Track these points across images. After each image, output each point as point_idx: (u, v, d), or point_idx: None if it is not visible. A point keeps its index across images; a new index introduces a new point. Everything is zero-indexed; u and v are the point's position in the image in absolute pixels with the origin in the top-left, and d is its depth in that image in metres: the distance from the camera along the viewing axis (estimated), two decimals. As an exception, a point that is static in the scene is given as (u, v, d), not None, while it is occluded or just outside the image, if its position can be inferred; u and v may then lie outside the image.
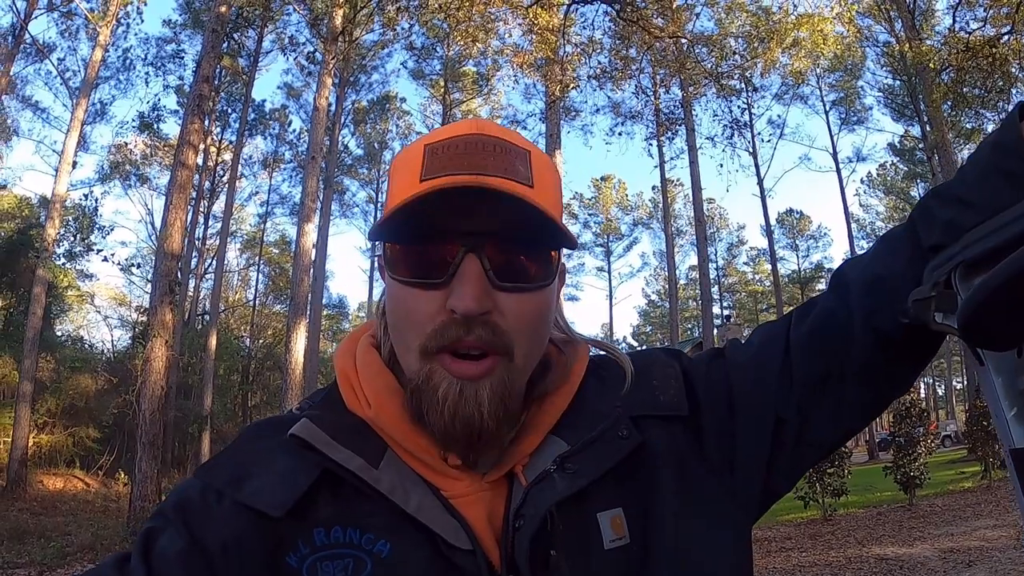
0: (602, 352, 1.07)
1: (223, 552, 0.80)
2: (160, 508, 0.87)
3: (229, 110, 38.01)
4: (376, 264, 1.00)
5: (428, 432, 0.87)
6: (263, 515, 0.81)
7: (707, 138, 24.84)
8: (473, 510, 0.85)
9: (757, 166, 41.29)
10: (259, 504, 0.82)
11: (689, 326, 60.97)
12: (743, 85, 23.89)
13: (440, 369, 0.84)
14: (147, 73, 34.17)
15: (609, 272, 62.49)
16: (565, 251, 0.93)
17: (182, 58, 35.19)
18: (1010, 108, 0.79)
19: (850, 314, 0.91)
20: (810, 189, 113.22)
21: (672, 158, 35.76)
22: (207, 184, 38.66)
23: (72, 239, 27.45)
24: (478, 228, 0.83)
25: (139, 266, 38.30)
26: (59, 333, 33.52)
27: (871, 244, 0.97)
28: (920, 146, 38.87)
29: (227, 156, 38.75)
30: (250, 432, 0.95)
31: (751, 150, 39.76)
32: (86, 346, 36.48)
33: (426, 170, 0.85)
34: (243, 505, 0.83)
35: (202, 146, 24.26)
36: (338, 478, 0.84)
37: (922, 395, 49.75)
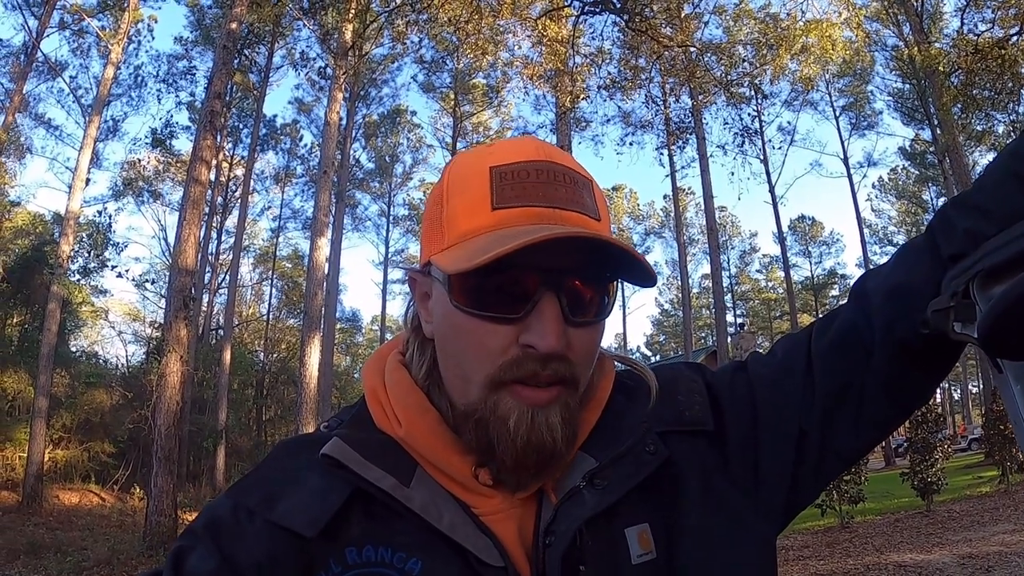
0: (626, 367, 1.07)
1: (255, 572, 0.80)
2: (190, 527, 0.87)
3: (241, 125, 38.17)
4: (408, 283, 0.99)
5: (461, 450, 0.88)
6: (295, 535, 0.82)
7: (718, 146, 24.77)
8: (504, 527, 0.85)
9: (768, 173, 41.19)
10: (291, 524, 0.82)
11: (703, 335, 60.82)
12: (753, 92, 23.90)
13: (508, 398, 0.83)
14: (159, 90, 34.34)
15: (621, 282, 62.21)
16: None
17: (194, 75, 35.33)
18: (1021, 109, 0.80)
19: (870, 325, 0.92)
20: (822, 195, 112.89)
21: (683, 167, 35.77)
22: (220, 199, 38.78)
23: (86, 255, 27.53)
24: (559, 265, 0.82)
25: (153, 282, 38.37)
26: (74, 349, 33.57)
27: (892, 253, 0.98)
28: (931, 150, 38.74)
29: (239, 171, 38.86)
30: (280, 451, 0.95)
31: (762, 157, 39.72)
32: (101, 361, 36.54)
33: (498, 197, 0.83)
34: (275, 524, 0.83)
35: (214, 162, 24.35)
36: (369, 496, 0.84)
37: (938, 400, 49.50)
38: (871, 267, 1.02)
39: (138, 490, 24.24)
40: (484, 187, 0.85)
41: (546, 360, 0.82)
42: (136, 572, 13.56)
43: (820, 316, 1.04)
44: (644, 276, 0.86)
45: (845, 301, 1.01)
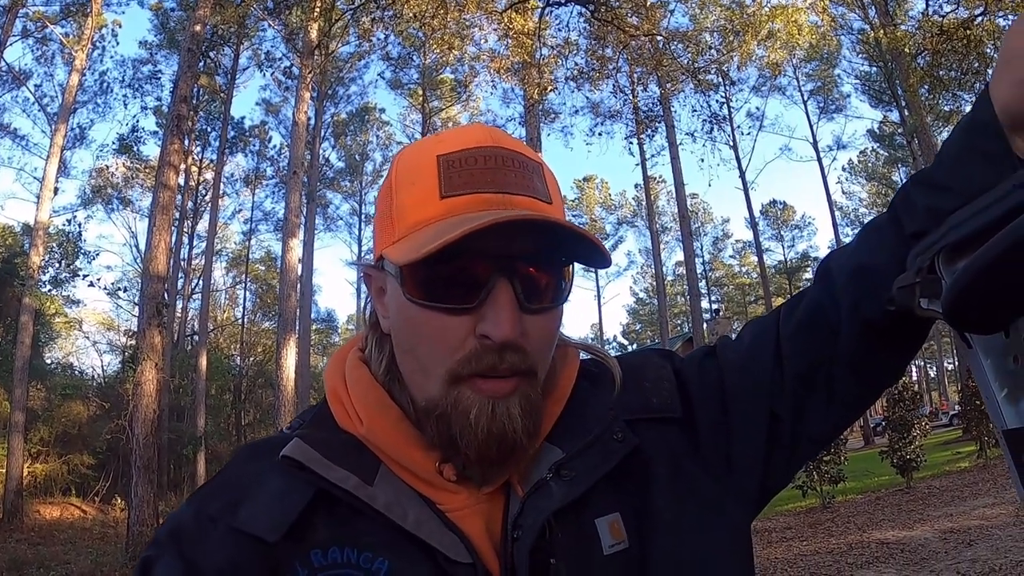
0: (591, 355, 1.06)
1: None
2: (155, 537, 0.86)
3: (208, 129, 37.83)
4: (363, 279, 0.97)
5: (424, 446, 0.87)
6: (258, 540, 0.80)
7: (687, 134, 24.74)
8: (471, 523, 0.84)
9: (738, 159, 41.48)
10: (253, 529, 0.81)
11: (678, 322, 61.13)
12: (720, 79, 23.94)
13: (468, 392, 0.82)
14: (125, 95, 33.97)
15: (596, 272, 62.46)
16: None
17: (159, 79, 35.04)
18: (987, 89, 0.80)
19: (836, 305, 0.92)
20: (792, 179, 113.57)
21: (653, 155, 35.87)
22: (190, 204, 38.58)
23: (57, 266, 27.27)
24: (511, 251, 0.81)
25: (125, 290, 37.99)
26: (48, 361, 33.40)
27: (856, 233, 0.97)
28: (899, 131, 39.25)
29: (208, 175, 38.65)
30: (242, 455, 0.94)
31: (731, 143, 39.94)
32: (76, 373, 36.43)
33: (446, 185, 0.82)
34: (237, 530, 0.81)
35: (183, 166, 24.19)
36: (333, 497, 0.83)
37: (914, 378, 50.01)
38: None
39: (119, 501, 24.11)
40: (432, 176, 0.84)
41: (502, 351, 0.81)
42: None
43: (790, 297, 1.04)
44: (598, 257, 0.85)
45: (811, 283, 1.00)
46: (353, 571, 0.80)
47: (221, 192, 38.99)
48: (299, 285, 22.27)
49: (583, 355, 1.04)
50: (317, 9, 21.02)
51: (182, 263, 37.77)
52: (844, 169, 53.67)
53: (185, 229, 38.21)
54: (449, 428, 0.83)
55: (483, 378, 0.82)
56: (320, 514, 0.83)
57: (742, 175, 41.86)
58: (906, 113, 31.65)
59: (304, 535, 0.82)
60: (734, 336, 1.08)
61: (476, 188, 0.82)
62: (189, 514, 0.86)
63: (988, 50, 18.29)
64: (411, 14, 18.67)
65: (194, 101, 27.82)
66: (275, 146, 42.95)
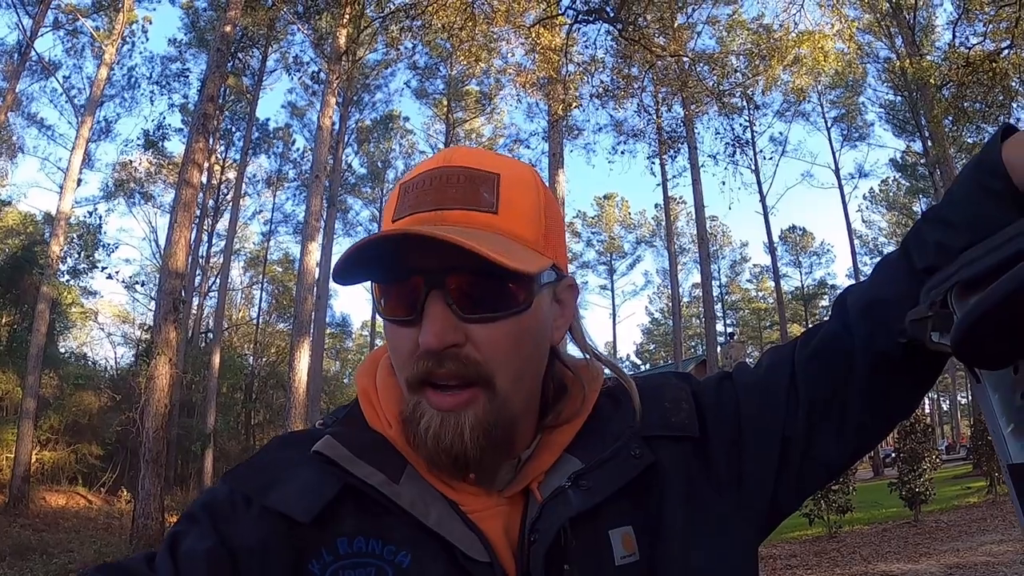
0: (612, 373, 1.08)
1: (248, 555, 0.83)
2: (187, 512, 0.89)
3: (233, 129, 37.94)
4: None
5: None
6: (289, 521, 0.84)
7: (709, 156, 24.76)
8: (490, 524, 0.88)
9: (759, 183, 41.28)
10: (287, 509, 0.84)
11: (693, 344, 60.83)
12: (745, 103, 23.80)
13: (424, 401, 0.86)
14: (152, 91, 34.15)
15: (612, 290, 62.42)
16: (571, 269, 0.94)
17: (187, 77, 35.19)
18: (1011, 122, 0.82)
19: (851, 337, 0.94)
20: (813, 206, 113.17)
21: (674, 176, 35.65)
22: (211, 202, 38.55)
23: (76, 256, 27.43)
24: (439, 264, 0.84)
25: (143, 284, 38.34)
26: (62, 350, 33.37)
27: (872, 268, 1.00)
28: (922, 161, 38.91)
29: (231, 175, 38.64)
30: (276, 443, 0.98)
31: (753, 167, 39.75)
32: (89, 363, 36.36)
33: (398, 209, 0.89)
34: (270, 510, 0.85)
35: (206, 164, 24.27)
36: (360, 493, 0.86)
37: (927, 410, 49.58)
38: (858, 279, 1.04)
39: (125, 493, 24.07)
40: (393, 203, 0.91)
41: (439, 358, 0.85)
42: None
43: (807, 328, 1.07)
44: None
45: (829, 314, 1.03)
46: (377, 561, 0.84)
47: (243, 192, 39.00)
48: (315, 289, 22.22)
49: (608, 372, 1.06)
50: (346, 16, 21.13)
51: (200, 260, 37.81)
52: (865, 197, 53.20)
53: (205, 227, 38.17)
54: (408, 432, 0.89)
55: (433, 389, 0.86)
56: (347, 507, 0.87)
57: (763, 199, 41.70)
58: (929, 144, 31.45)
59: (332, 523, 0.86)
60: (751, 360, 1.10)
61: (417, 208, 0.87)
62: (224, 492, 0.90)
63: (1014, 83, 18.20)
64: (440, 25, 18.72)
65: (220, 101, 27.92)
66: (298, 149, 42.95)
